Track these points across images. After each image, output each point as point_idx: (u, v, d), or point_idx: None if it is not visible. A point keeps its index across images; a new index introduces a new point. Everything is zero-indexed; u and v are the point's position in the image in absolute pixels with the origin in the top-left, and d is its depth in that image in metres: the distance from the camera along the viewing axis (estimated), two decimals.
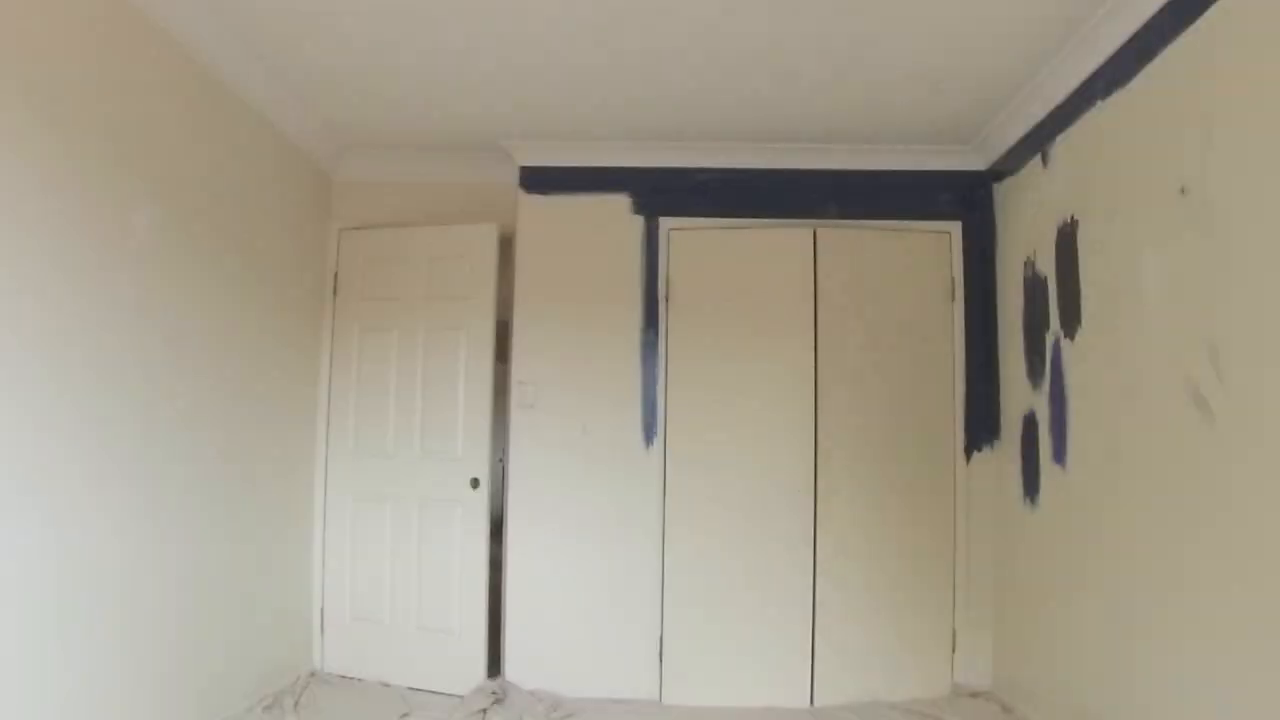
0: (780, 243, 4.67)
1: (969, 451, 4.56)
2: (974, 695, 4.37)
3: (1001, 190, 4.56)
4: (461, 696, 4.33)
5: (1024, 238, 4.25)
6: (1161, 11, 3.01)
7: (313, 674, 4.56)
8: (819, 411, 4.56)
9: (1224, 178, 2.71)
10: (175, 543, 3.45)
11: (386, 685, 4.47)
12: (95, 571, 2.93)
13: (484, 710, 4.16)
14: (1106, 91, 3.42)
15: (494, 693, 4.34)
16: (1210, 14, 2.75)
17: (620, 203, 4.70)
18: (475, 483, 4.58)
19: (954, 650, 4.48)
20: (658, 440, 4.61)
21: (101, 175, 2.94)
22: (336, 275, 4.87)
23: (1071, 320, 3.69)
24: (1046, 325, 3.93)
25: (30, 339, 2.60)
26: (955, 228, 4.69)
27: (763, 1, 3.27)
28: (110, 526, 3.02)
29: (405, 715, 4.06)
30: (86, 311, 2.86)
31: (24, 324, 2.56)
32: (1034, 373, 4.07)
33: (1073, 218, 3.70)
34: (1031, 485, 4.07)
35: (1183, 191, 2.90)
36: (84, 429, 2.86)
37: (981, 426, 4.56)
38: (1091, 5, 3.23)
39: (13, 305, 2.51)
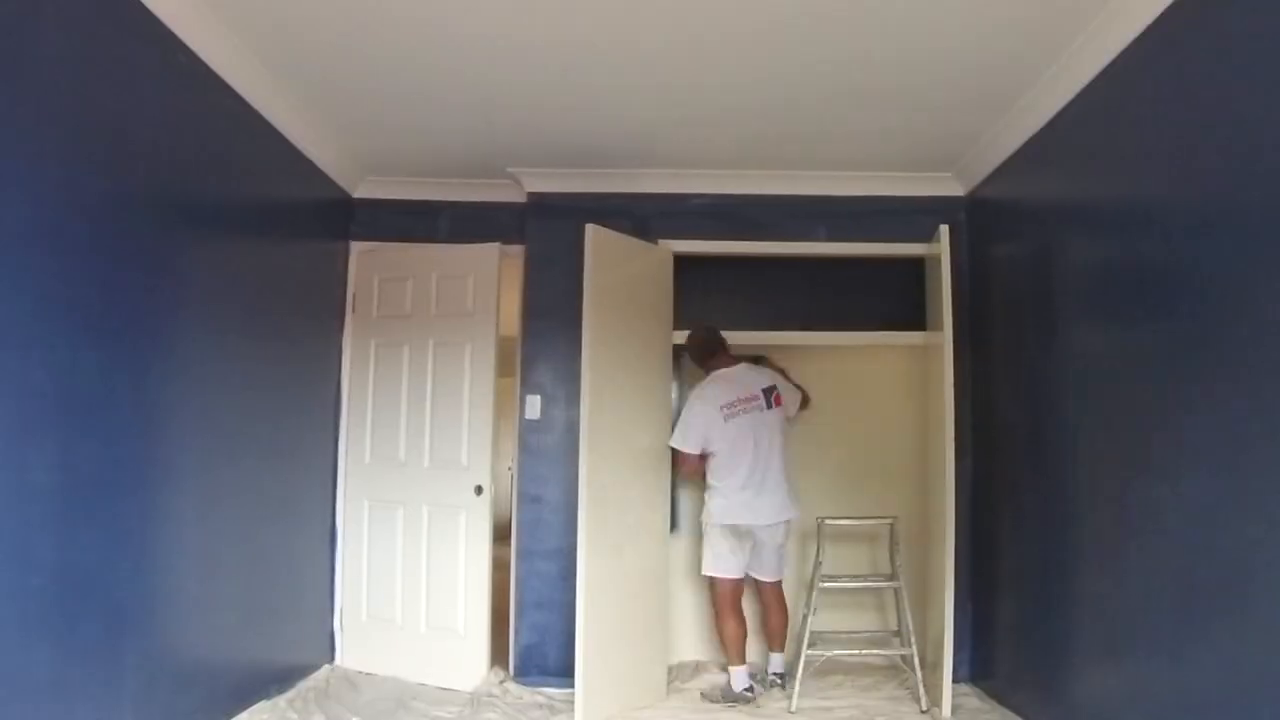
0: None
1: (959, 456, 4.54)
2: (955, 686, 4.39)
3: (979, 214, 4.60)
4: (470, 692, 4.37)
5: (1002, 259, 4.28)
6: (1127, 50, 3.05)
7: (331, 669, 4.57)
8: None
9: None
10: (225, 541, 3.56)
11: (400, 680, 4.49)
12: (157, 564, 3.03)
13: (490, 695, 4.27)
14: (1078, 122, 3.46)
15: (500, 681, 4.47)
16: (1178, 49, 2.79)
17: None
18: (479, 490, 4.59)
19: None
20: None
21: (145, 202, 2.98)
22: (354, 295, 4.89)
23: (1048, 336, 3.71)
24: (1026, 341, 3.96)
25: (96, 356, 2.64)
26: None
27: (760, 45, 3.32)
28: (170, 528, 3.12)
29: (416, 706, 4.12)
30: (130, 327, 2.90)
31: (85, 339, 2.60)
32: (1014, 384, 4.10)
33: (1047, 239, 3.73)
34: (1013, 487, 4.10)
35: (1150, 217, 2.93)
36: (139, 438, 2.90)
37: (967, 433, 4.53)
38: (1062, 43, 3.27)
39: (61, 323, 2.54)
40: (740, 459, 4.19)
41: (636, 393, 4.33)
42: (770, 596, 4.44)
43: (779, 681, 4.37)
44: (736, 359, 4.41)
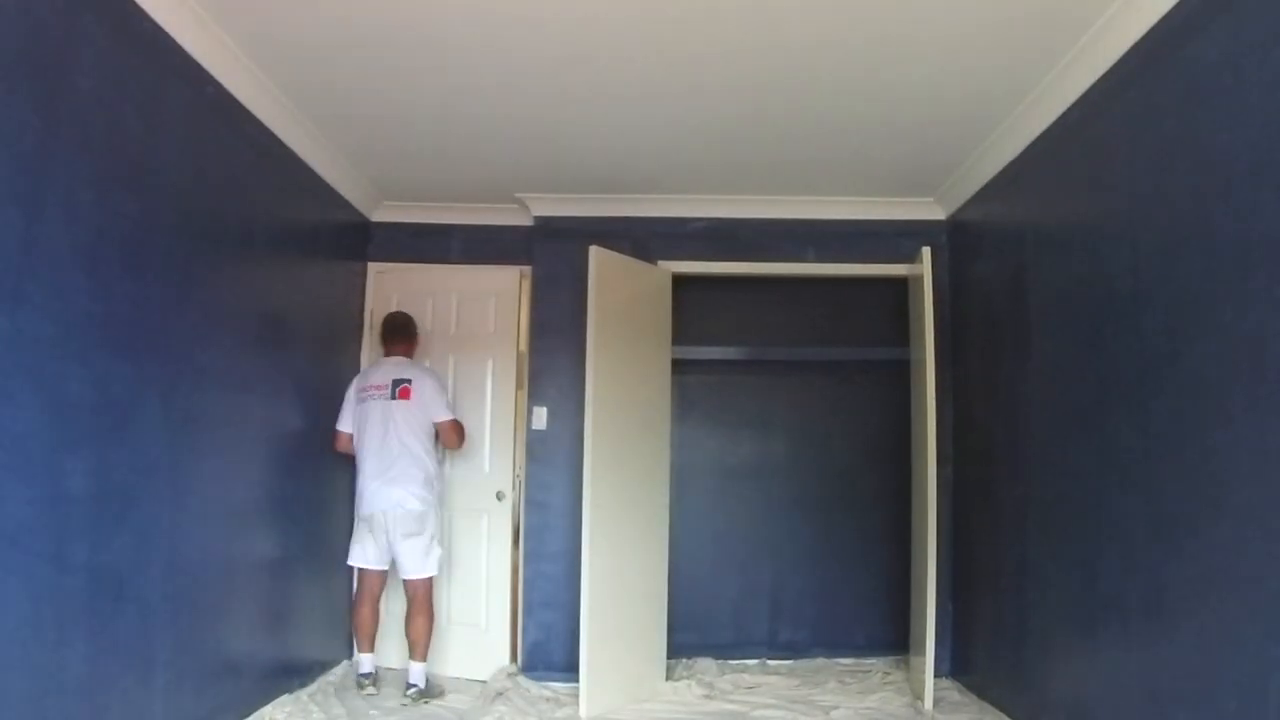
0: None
1: (940, 464, 4.55)
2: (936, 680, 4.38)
3: (959, 237, 4.61)
4: (484, 682, 4.39)
5: (980, 279, 4.30)
6: (1098, 82, 3.07)
7: (350, 664, 4.55)
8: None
9: None
10: (249, 543, 3.60)
11: None
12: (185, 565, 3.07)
13: (502, 692, 4.23)
14: (1051, 151, 3.48)
15: (510, 675, 4.46)
16: (1146, 82, 2.81)
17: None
18: (500, 496, 4.63)
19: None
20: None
21: (174, 225, 3.00)
22: (372, 312, 4.89)
23: (1023, 352, 3.72)
24: (1003, 356, 3.97)
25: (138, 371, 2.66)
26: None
27: (755, 80, 3.35)
28: (197, 531, 3.16)
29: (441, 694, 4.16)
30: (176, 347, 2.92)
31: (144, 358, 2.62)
32: (991, 396, 4.11)
33: (1022, 259, 3.75)
34: (991, 493, 4.10)
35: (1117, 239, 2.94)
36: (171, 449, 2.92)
37: (949, 444, 4.55)
38: (1036, 77, 3.30)
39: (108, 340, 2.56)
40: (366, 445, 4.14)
41: (637, 404, 4.34)
42: (409, 594, 4.17)
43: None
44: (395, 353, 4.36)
